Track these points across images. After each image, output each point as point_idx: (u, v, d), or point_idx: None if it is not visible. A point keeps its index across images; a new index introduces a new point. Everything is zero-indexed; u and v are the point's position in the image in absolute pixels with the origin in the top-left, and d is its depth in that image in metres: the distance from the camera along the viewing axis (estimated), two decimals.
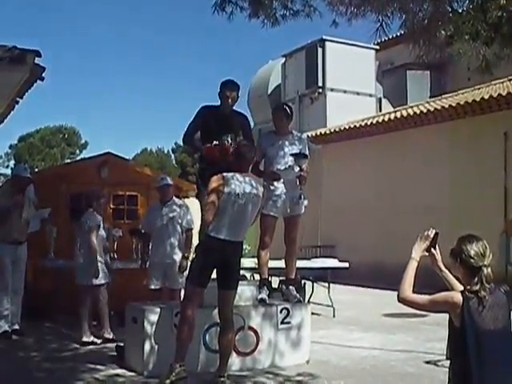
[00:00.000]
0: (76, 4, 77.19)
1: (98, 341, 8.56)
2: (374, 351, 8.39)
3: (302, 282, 11.03)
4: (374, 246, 17.67)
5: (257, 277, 9.18)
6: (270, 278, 8.16)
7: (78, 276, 8.77)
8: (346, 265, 11.78)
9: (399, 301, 3.64)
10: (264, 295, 7.53)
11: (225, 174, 6.44)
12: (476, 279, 3.48)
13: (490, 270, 3.52)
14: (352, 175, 19.04)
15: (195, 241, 7.87)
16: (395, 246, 16.84)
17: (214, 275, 6.59)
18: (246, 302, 7.42)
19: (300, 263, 9.62)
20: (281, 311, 7.44)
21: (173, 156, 49.09)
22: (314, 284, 11.74)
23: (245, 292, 7.44)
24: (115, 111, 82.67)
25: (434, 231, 3.81)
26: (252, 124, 27.31)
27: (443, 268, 3.86)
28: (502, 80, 16.57)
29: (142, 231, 10.22)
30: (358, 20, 7.01)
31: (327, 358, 7.89)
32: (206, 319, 7.00)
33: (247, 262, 10.09)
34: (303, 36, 37.97)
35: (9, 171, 45.23)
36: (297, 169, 7.47)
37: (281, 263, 8.98)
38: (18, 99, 11.29)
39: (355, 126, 19.14)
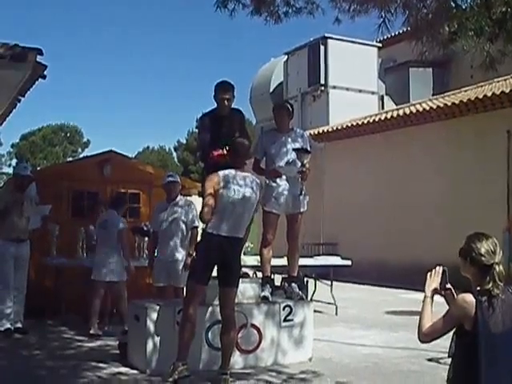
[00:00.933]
0: (80, 2, 77.15)
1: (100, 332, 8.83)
2: (377, 349, 8.38)
3: (305, 279, 11.02)
4: (377, 243, 17.65)
5: (259, 274, 9.17)
6: (272, 276, 8.14)
7: (94, 272, 9.02)
8: (349, 262, 11.77)
9: (421, 340, 3.58)
10: (267, 293, 7.51)
11: (220, 172, 6.46)
12: (488, 278, 3.40)
13: (501, 267, 3.44)
14: (354, 173, 19.02)
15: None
16: (398, 244, 16.91)
17: (214, 273, 6.59)
18: (248, 300, 7.39)
19: (302, 261, 9.62)
20: (283, 309, 7.42)
21: (174, 154, 49.10)
22: (317, 282, 11.73)
23: (247, 290, 7.42)
24: (117, 110, 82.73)
25: (441, 268, 3.68)
26: (254, 122, 27.38)
27: None
28: (504, 77, 16.53)
29: (145, 229, 10.25)
30: (361, 17, 7.01)
31: (330, 355, 7.88)
32: (208, 317, 6.99)
33: (250, 260, 10.10)
34: (305, 34, 37.93)
35: (11, 170, 45.30)
36: (298, 165, 7.45)
37: (283, 261, 8.97)
38: (19, 97, 11.29)
39: (357, 124, 19.12)
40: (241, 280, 7.43)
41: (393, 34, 24.91)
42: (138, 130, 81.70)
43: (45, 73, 9.95)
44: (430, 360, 7.62)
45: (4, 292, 8.75)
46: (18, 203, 8.99)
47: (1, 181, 42.66)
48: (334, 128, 20.10)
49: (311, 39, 22.74)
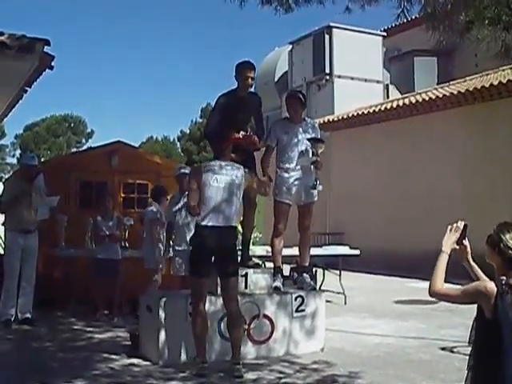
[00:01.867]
0: None
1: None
2: (388, 338, 8.37)
3: (314, 269, 11.00)
4: (383, 233, 17.63)
5: (267, 264, 9.16)
6: (281, 266, 8.13)
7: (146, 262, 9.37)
8: (357, 252, 11.76)
9: (431, 295, 3.54)
10: (278, 283, 7.50)
11: (203, 163, 6.71)
12: None
13: None
14: (360, 162, 18.98)
15: None
16: (404, 233, 16.89)
17: None
18: (260, 291, 7.40)
19: (311, 251, 9.60)
20: (295, 299, 7.41)
21: (178, 144, 49.01)
22: (325, 271, 11.72)
23: (260, 280, 7.43)
24: (120, 100, 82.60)
25: (463, 223, 3.66)
26: None
27: (472, 263, 3.72)
28: (510, 66, 16.45)
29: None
30: (372, 6, 6.96)
31: (341, 345, 7.87)
32: (220, 308, 6.97)
33: (258, 250, 10.10)
34: (308, 23, 37.82)
35: (15, 161, 45.28)
36: (310, 155, 7.43)
37: (291, 250, 8.99)
38: (26, 88, 11.25)
39: (363, 113, 19.07)
40: (252, 270, 7.46)
41: (397, 23, 24.95)
42: (142, 120, 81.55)
43: (52, 63, 9.93)
44: (442, 349, 7.62)
45: (10, 283, 8.74)
46: (27, 194, 8.95)
47: (5, 171, 42.71)
48: (340, 117, 20.04)
49: (316, 28, 22.66)
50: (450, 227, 3.67)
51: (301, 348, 7.42)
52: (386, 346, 7.91)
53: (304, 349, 7.42)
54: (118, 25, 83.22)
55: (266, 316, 7.24)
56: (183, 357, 6.81)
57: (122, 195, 11.22)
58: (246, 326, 7.08)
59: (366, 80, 22.44)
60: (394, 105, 18.26)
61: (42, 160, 28.59)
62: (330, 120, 20.11)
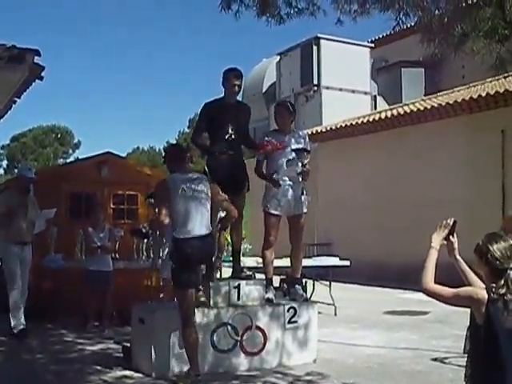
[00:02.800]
0: (71, 3, 76.78)
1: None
2: (380, 349, 8.37)
3: (304, 280, 11.00)
4: (371, 243, 17.65)
5: (258, 276, 9.15)
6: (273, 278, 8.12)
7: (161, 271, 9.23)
8: (347, 263, 11.78)
9: (422, 291, 3.59)
10: (271, 295, 7.49)
11: (167, 177, 6.76)
12: (502, 282, 3.36)
13: None
14: (348, 173, 19.01)
15: None
16: (392, 244, 16.92)
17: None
18: (253, 302, 7.37)
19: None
20: (288, 310, 7.40)
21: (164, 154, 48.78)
22: (315, 282, 11.72)
23: (252, 292, 7.40)
24: (107, 110, 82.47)
25: (452, 219, 3.76)
26: None
27: (459, 258, 3.80)
28: (497, 77, 16.59)
29: (143, 231, 10.20)
30: (364, 18, 7.02)
31: (333, 356, 7.86)
32: (213, 319, 6.98)
33: (249, 261, 10.08)
34: (296, 35, 37.97)
35: (1, 171, 45.02)
36: (299, 165, 7.46)
37: (280, 262, 8.99)
38: (15, 99, 11.19)
39: (351, 124, 19.13)
40: (245, 282, 7.44)
41: (384, 35, 25.13)
42: (129, 130, 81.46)
43: (42, 74, 9.89)
44: (434, 360, 7.63)
45: (16, 293, 8.67)
46: (24, 206, 8.90)
47: None
48: (328, 128, 20.09)
49: (303, 40, 22.74)
50: (439, 224, 3.77)
51: (294, 359, 7.40)
52: (379, 356, 7.91)
53: (297, 360, 7.40)
54: (105, 35, 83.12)
55: (258, 327, 7.22)
56: (176, 369, 6.77)
57: (112, 206, 11.19)
58: (239, 338, 7.08)
59: (353, 91, 22.54)
60: (382, 116, 18.33)
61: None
62: (318, 131, 20.16)
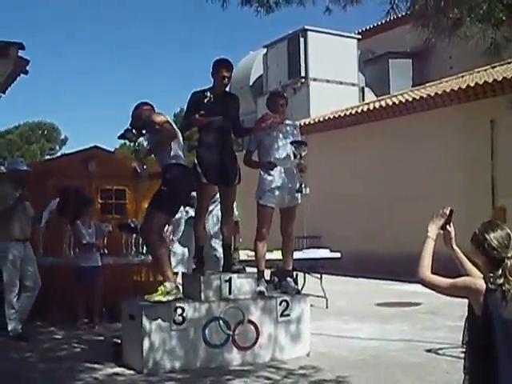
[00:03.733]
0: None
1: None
2: (373, 341, 8.29)
3: (294, 273, 10.92)
4: (360, 235, 17.63)
5: (248, 269, 9.07)
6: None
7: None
8: (338, 255, 11.72)
9: (419, 281, 3.50)
10: (262, 288, 7.40)
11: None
12: (500, 272, 3.29)
13: None
14: (336, 165, 18.96)
15: None
16: (381, 235, 16.90)
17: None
18: (245, 296, 7.26)
19: None
20: (280, 304, 7.30)
21: None
22: (306, 275, 11.65)
23: (243, 285, 7.29)
24: (93, 106, 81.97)
25: (449, 208, 3.67)
26: None
27: (456, 247, 3.72)
28: (485, 68, 16.58)
29: (132, 226, 10.09)
30: (354, 6, 6.91)
31: (327, 349, 7.78)
32: (204, 314, 6.88)
33: (240, 254, 9.99)
34: (282, 26, 37.82)
35: None
36: (292, 157, 7.38)
37: (271, 255, 8.92)
38: (0, 94, 11.04)
39: (339, 116, 19.07)
40: (236, 275, 7.34)
41: (371, 26, 25.08)
42: (115, 125, 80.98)
43: (27, 68, 9.74)
44: (428, 351, 7.57)
45: (12, 297, 8.46)
46: (21, 201, 8.59)
47: None
48: (316, 120, 20.02)
49: (290, 32, 22.63)
50: (435, 213, 3.67)
51: (287, 353, 7.32)
52: (372, 349, 7.84)
53: (290, 354, 7.32)
54: (90, 31, 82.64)
55: (250, 321, 7.12)
56: (168, 365, 6.69)
57: (100, 201, 11.04)
58: (231, 332, 6.99)
59: (341, 83, 22.45)
60: (370, 107, 18.29)
61: None
62: (306, 123, 20.06)
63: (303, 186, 7.39)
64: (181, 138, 7.18)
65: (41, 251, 9.62)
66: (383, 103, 17.99)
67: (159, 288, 6.76)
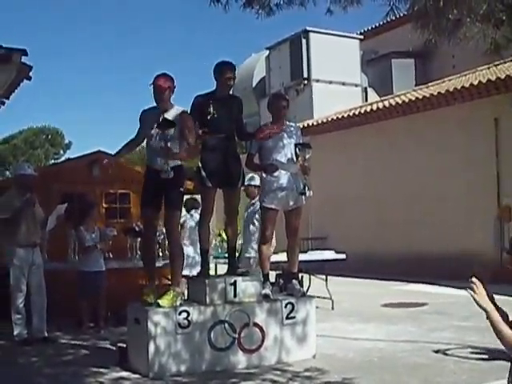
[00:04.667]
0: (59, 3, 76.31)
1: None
2: (379, 343, 8.26)
3: (300, 275, 10.90)
4: (366, 236, 17.60)
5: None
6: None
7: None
8: (344, 256, 11.69)
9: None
10: (268, 291, 7.36)
11: None
12: None
13: None
14: (341, 166, 18.95)
15: None
16: (387, 236, 16.87)
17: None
18: (250, 298, 7.24)
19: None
20: (285, 306, 7.27)
21: None
22: (311, 276, 11.63)
23: (248, 288, 7.26)
24: (97, 110, 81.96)
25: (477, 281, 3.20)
26: None
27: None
28: (487, 66, 16.54)
29: (136, 229, 10.10)
30: (354, 7, 6.89)
31: (333, 351, 7.75)
32: (210, 317, 6.86)
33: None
34: (284, 28, 37.79)
35: None
36: (297, 159, 7.36)
37: (277, 257, 8.91)
38: (4, 100, 11.04)
39: (342, 117, 19.06)
40: (241, 278, 7.33)
41: (374, 26, 25.07)
42: (118, 129, 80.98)
43: (30, 74, 9.75)
44: (436, 352, 7.53)
45: (20, 303, 8.43)
46: (31, 204, 8.55)
47: None
48: (319, 121, 20.01)
49: (292, 33, 22.64)
50: (468, 290, 3.20)
51: (292, 355, 7.29)
52: (379, 350, 7.81)
53: (296, 356, 7.29)
54: (92, 35, 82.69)
55: (256, 324, 7.10)
56: (174, 368, 6.67)
57: (105, 205, 11.06)
58: (236, 335, 6.98)
59: (344, 83, 22.46)
60: (374, 107, 18.26)
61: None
62: (310, 124, 20.07)
63: (306, 188, 7.35)
64: None
65: (45, 256, 9.63)
66: (386, 103, 17.96)
67: (168, 292, 6.80)
